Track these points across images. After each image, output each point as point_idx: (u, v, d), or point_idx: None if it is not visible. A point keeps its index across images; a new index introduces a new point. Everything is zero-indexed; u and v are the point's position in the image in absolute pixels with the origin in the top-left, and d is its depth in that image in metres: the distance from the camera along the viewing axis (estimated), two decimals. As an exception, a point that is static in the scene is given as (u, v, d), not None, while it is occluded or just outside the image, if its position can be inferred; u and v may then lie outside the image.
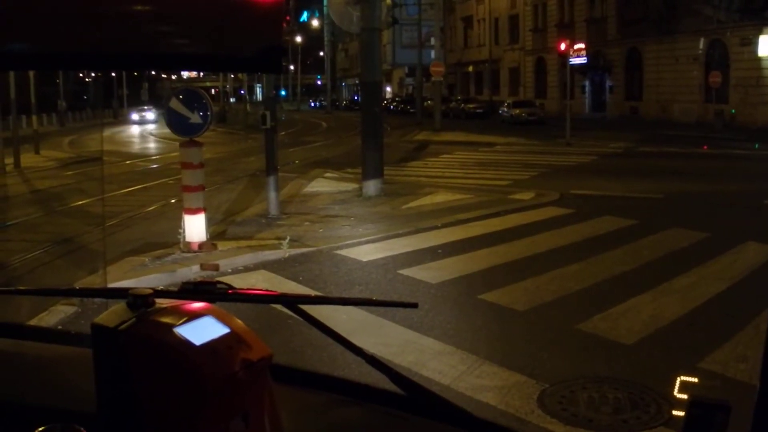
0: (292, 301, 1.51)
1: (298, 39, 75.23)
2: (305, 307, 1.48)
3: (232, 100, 64.19)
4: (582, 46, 28.54)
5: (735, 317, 6.16)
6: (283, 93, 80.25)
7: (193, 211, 8.75)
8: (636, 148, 24.05)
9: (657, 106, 37.91)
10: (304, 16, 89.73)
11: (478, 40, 58.82)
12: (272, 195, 11.16)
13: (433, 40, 43.94)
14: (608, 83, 43.09)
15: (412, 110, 46.74)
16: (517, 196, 13.14)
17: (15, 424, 1.28)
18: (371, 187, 13.19)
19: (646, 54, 39.17)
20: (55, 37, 0.93)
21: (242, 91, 64.03)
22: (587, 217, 10.88)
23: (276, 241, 9.16)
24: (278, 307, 2.12)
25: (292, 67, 79.25)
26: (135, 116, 51.73)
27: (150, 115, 51.04)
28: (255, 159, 19.29)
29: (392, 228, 10.29)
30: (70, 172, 19.65)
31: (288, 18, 40.18)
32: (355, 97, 69.51)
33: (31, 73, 27.24)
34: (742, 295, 6.93)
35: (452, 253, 8.73)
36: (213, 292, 1.38)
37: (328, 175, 16.90)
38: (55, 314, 6.29)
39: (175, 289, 1.39)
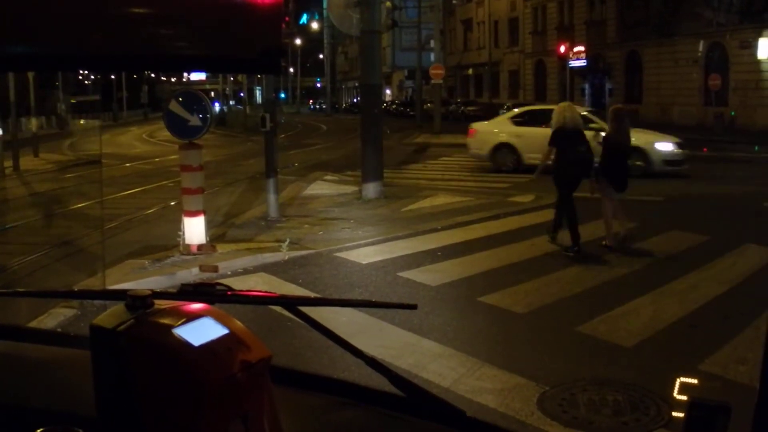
0: (291, 303, 1.50)
1: (298, 41, 75.26)
2: (305, 309, 1.48)
3: (231, 102, 64.09)
4: (582, 48, 28.65)
5: (735, 319, 6.16)
6: (282, 96, 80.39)
7: (193, 214, 8.74)
8: (635, 150, 24.02)
9: (657, 108, 37.90)
10: (304, 18, 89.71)
11: (477, 43, 58.85)
12: (272, 197, 11.15)
13: (432, 43, 43.98)
14: (608, 86, 43.01)
15: (411, 113, 46.75)
16: (517, 199, 13.13)
17: (15, 426, 1.28)
18: (371, 189, 13.19)
19: (645, 57, 39.18)
20: (55, 38, 0.93)
21: (242, 94, 64.03)
22: (586, 220, 10.85)
23: (275, 244, 9.15)
24: (278, 309, 2.12)
25: (291, 70, 79.33)
26: None
27: None
28: (254, 162, 19.27)
29: (392, 230, 10.28)
30: (69, 175, 19.59)
31: (287, 20, 40.22)
32: (355, 100, 69.53)
33: (31, 75, 27.26)
34: (742, 297, 6.92)
35: (452, 256, 8.73)
36: (212, 294, 1.37)
37: (327, 177, 16.88)
38: (55, 317, 6.28)
39: (174, 290, 1.38)
